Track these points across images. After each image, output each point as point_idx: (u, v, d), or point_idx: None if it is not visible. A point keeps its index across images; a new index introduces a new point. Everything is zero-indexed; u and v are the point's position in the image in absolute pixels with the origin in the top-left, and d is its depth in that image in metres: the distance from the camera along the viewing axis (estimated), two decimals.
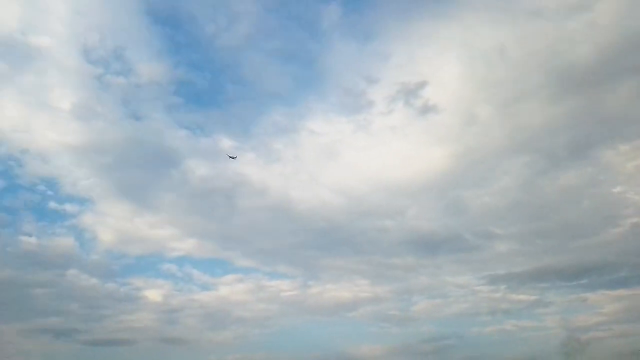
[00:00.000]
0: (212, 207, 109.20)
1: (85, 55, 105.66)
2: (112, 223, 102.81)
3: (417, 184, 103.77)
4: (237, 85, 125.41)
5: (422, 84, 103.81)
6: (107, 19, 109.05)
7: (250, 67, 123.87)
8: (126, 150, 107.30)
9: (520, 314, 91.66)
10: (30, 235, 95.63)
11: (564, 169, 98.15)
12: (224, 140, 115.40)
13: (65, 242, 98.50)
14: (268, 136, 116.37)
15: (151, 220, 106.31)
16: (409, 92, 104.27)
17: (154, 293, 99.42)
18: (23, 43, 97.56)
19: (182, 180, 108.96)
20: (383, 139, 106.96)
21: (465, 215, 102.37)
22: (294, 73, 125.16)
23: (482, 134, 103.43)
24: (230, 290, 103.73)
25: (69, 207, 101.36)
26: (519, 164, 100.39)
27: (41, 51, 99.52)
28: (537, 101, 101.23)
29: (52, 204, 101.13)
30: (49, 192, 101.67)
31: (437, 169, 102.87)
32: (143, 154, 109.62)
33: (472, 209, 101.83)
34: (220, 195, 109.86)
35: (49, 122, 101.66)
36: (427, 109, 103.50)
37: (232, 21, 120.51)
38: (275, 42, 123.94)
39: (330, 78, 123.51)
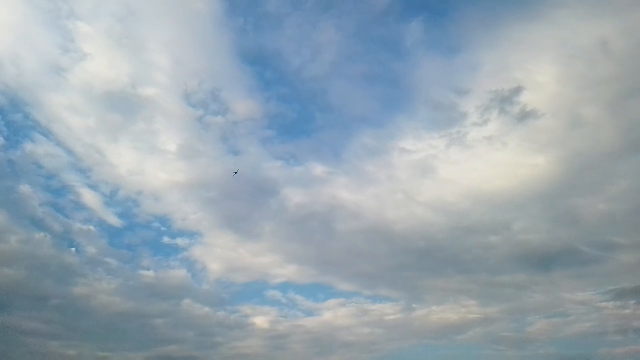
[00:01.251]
0: (310, 233, 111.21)
1: (186, 100, 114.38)
2: (220, 253, 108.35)
3: (522, 196, 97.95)
4: (325, 113, 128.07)
5: (518, 90, 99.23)
6: (204, 65, 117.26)
7: (337, 93, 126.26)
8: (228, 184, 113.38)
9: None
10: (148, 269, 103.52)
11: None
12: (316, 167, 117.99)
13: (179, 274, 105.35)
14: (359, 159, 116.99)
15: (254, 248, 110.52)
16: (504, 100, 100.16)
17: (261, 320, 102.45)
18: (133, 95, 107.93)
19: (280, 209, 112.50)
20: (480, 151, 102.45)
21: (579, 226, 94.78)
22: (381, 95, 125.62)
23: (591, 136, 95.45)
24: (333, 315, 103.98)
25: (180, 241, 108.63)
26: (637, 164, 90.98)
27: (148, 101, 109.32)
28: None
29: (166, 239, 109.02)
30: (163, 228, 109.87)
31: (543, 178, 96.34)
32: (243, 187, 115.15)
33: (586, 218, 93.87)
34: (317, 221, 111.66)
35: (159, 164, 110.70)
36: (525, 115, 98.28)
37: (316, 52, 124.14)
38: (360, 66, 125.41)
39: (418, 95, 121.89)
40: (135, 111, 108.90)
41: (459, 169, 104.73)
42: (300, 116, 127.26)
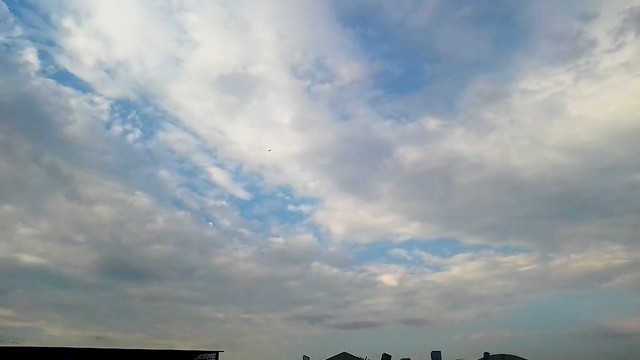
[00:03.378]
0: (429, 189, 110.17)
1: (293, 72, 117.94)
2: (341, 216, 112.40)
3: None
4: (433, 63, 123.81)
5: None
6: (306, 35, 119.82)
7: (444, 41, 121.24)
8: (341, 149, 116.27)
9: None
10: (277, 236, 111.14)
11: None
12: (429, 121, 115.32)
13: (305, 238, 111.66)
14: (475, 107, 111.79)
15: (374, 209, 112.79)
16: None
17: (388, 277, 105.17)
18: (244, 75, 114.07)
19: (396, 168, 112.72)
20: (615, 81, 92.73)
21: None
22: (493, 35, 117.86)
23: None
24: (462, 269, 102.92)
25: (303, 208, 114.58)
26: None
27: (259, 79, 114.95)
28: None
29: (290, 207, 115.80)
30: (287, 198, 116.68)
31: None
32: (356, 150, 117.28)
33: None
34: (436, 176, 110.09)
35: (275, 138, 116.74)
36: None
37: (417, 1, 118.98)
38: (466, 8, 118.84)
39: (535, 29, 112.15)
40: (248, 90, 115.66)
41: (591, 104, 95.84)
42: (407, 71, 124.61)
